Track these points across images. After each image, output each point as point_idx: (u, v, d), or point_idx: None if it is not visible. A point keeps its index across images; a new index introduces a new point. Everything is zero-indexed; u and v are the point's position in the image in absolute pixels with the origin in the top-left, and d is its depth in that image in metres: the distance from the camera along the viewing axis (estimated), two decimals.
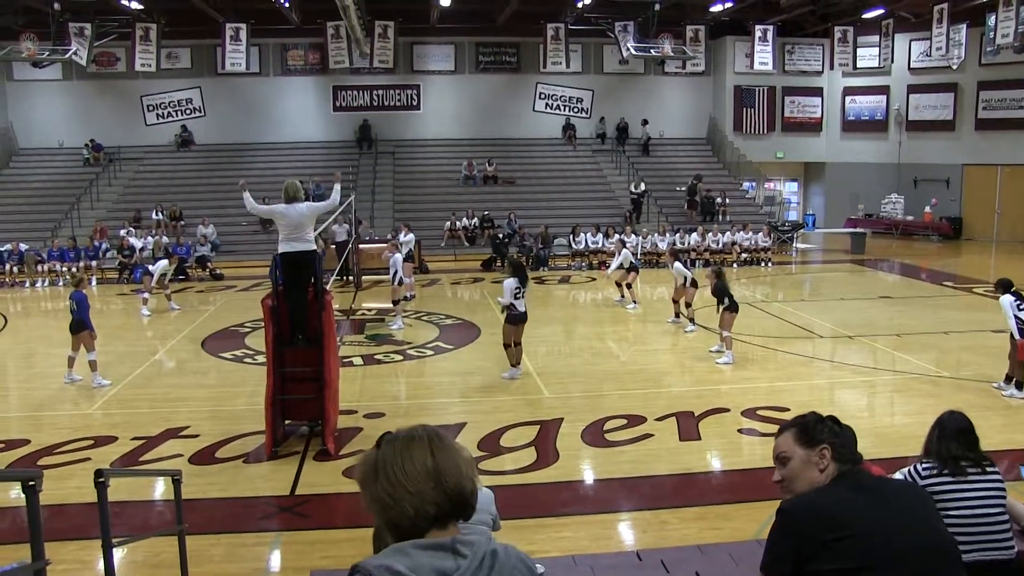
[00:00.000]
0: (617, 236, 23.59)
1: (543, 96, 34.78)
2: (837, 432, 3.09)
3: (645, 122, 34.17)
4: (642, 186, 30.40)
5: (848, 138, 35.54)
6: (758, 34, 31.00)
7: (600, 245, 26.05)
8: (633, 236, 25.78)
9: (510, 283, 12.98)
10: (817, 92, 35.84)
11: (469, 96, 34.56)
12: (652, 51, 28.58)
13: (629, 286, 19.48)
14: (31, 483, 4.57)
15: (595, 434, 10.51)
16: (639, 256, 24.86)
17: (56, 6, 27.02)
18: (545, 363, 14.17)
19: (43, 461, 10.03)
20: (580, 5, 28.55)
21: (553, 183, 31.77)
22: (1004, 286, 11.83)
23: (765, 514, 7.03)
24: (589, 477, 9.42)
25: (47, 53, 27.70)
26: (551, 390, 12.56)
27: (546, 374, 13.40)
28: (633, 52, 28.75)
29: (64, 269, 25.02)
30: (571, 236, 26.63)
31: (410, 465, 2.08)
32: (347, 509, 8.79)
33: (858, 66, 32.25)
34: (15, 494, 8.89)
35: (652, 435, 10.44)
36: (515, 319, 13.05)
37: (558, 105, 34.89)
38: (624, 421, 10.94)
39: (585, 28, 30.82)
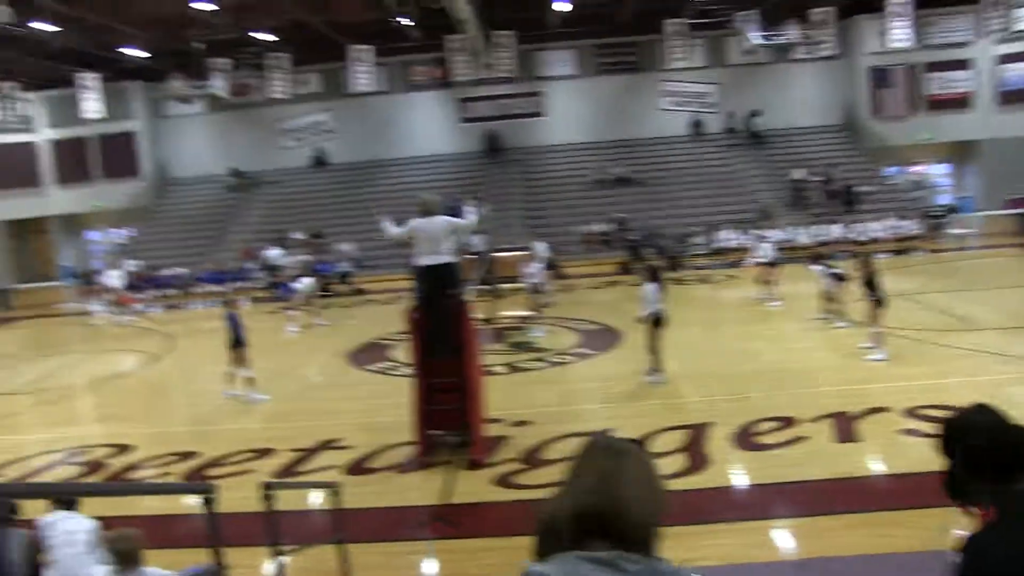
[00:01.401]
0: (755, 231, 23.19)
1: (668, 93, 34.35)
2: None
3: (755, 113, 33.32)
4: (801, 173, 29.39)
5: (1005, 111, 33.22)
6: (894, 8, 29.21)
7: (737, 242, 25.54)
8: (772, 231, 25.18)
9: (649, 289, 12.93)
10: (965, 65, 33.61)
11: (593, 99, 34.49)
12: (778, 39, 27.84)
13: (769, 282, 19.07)
14: (208, 496, 4.91)
15: (746, 438, 10.28)
16: (778, 251, 24.15)
17: (199, 46, 28.38)
18: (688, 366, 13.96)
19: (211, 472, 10.59)
20: None
21: (685, 181, 31.28)
22: None
23: (936, 521, 6.79)
24: (743, 482, 9.23)
25: (193, 89, 29.19)
26: (696, 393, 12.44)
27: (690, 377, 13.26)
28: (758, 42, 28.10)
29: (217, 290, 26.18)
30: (707, 234, 26.21)
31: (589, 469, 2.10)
32: (497, 518, 8.89)
33: (1016, 30, 29.53)
34: (191, 501, 9.41)
35: (806, 438, 10.12)
36: (659, 322, 12.95)
37: (684, 101, 34.39)
38: (775, 423, 10.64)
39: (707, 21, 30.25)
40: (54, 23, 23.86)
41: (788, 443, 10.02)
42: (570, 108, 34.56)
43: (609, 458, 2.13)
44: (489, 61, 30.44)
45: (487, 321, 19.21)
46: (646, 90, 34.23)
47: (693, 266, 25.66)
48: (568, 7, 27.82)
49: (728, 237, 25.79)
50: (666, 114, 34.30)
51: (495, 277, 23.60)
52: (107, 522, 6.77)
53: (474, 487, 9.48)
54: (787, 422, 10.66)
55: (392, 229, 10.82)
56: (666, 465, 9.58)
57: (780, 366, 13.87)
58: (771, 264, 19.00)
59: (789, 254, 24.91)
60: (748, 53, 31.50)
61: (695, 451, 9.98)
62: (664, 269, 24.90)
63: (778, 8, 27.63)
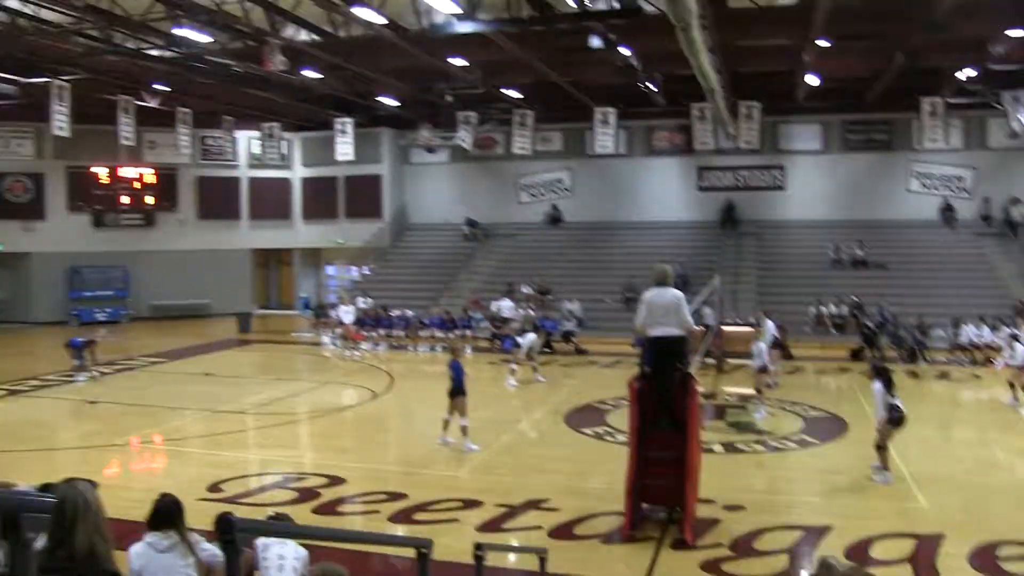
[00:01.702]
0: (1007, 330, 21.50)
1: (918, 175, 32.55)
2: None
3: (1016, 200, 30.98)
4: None
5: None
6: None
7: (986, 339, 23.75)
8: None
9: (878, 387, 12.17)
10: None
11: (837, 176, 33.22)
12: None
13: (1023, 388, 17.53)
14: (423, 550, 4.89)
15: (987, 560, 9.22)
16: None
17: (449, 99, 29.58)
18: (920, 468, 12.87)
19: (418, 516, 10.71)
20: (962, 77, 26.42)
21: (930, 268, 29.42)
22: None
23: None
24: None
25: (439, 139, 30.40)
26: (927, 499, 11.43)
27: (921, 481, 12.19)
28: None
29: (441, 336, 26.88)
30: (952, 328, 24.55)
31: None
32: None
33: None
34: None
35: None
36: (897, 420, 12.09)
37: (935, 184, 32.48)
38: None
39: (967, 101, 28.56)
40: (320, 71, 25.47)
41: None
42: (811, 183, 33.45)
43: None
44: (732, 131, 30.00)
45: (708, 396, 18.69)
46: (894, 170, 32.57)
47: (932, 360, 24.01)
48: (817, 81, 27.08)
49: (975, 333, 23.97)
50: (914, 197, 32.42)
51: (721, 352, 23.02)
52: (313, 551, 6.89)
53: (680, 568, 9.15)
54: None
55: (639, 321, 10.53)
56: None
57: None
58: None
59: None
60: (1013, 137, 29.36)
61: (923, 564, 9.14)
62: (900, 360, 23.72)
63: None
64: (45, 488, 4.29)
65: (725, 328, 23.37)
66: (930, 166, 32.14)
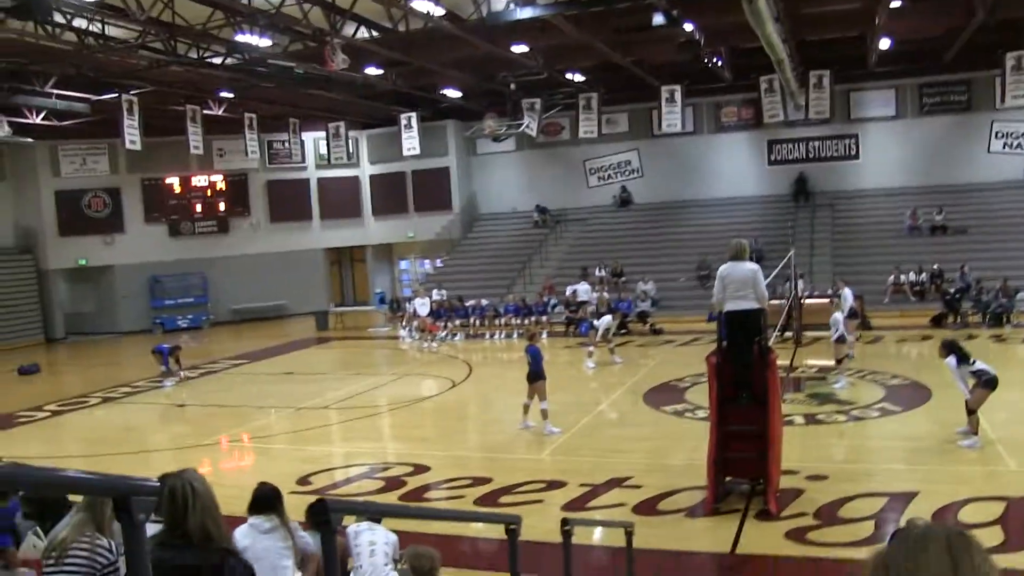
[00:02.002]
0: None
1: (1001, 135, 31.56)
2: None
3: None
4: None
5: None
6: None
7: None
8: None
9: (952, 362, 11.95)
10: None
11: (912, 141, 32.44)
12: None
13: None
14: (512, 526, 4.97)
15: None
16: None
17: (512, 86, 29.64)
18: (1008, 431, 12.57)
19: (503, 499, 10.83)
20: None
21: (1015, 231, 28.58)
22: None
23: None
24: None
25: (504, 128, 30.46)
26: (1017, 462, 11.19)
27: (1010, 444, 11.93)
28: None
29: (517, 323, 27.02)
30: None
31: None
32: (788, 572, 8.55)
33: None
34: (479, 526, 9.64)
35: None
36: (990, 383, 11.81)
37: (1019, 144, 31.43)
38: None
39: None
40: (381, 67, 25.71)
41: None
42: (886, 151, 32.75)
43: (967, 550, 1.71)
44: (801, 102, 29.48)
45: (787, 369, 18.48)
46: (974, 132, 31.63)
47: (1019, 323, 23.39)
48: (889, 44, 26.47)
49: None
50: (996, 158, 31.45)
51: (799, 324, 22.75)
52: (401, 536, 7.04)
53: (765, 539, 9.10)
54: None
55: (715, 297, 10.51)
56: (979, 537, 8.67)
57: None
58: None
59: None
60: None
61: (1014, 526, 8.95)
62: (984, 325, 23.18)
63: None
64: (163, 478, 4.53)
65: (802, 300, 23.07)
66: (1014, 125, 31.09)
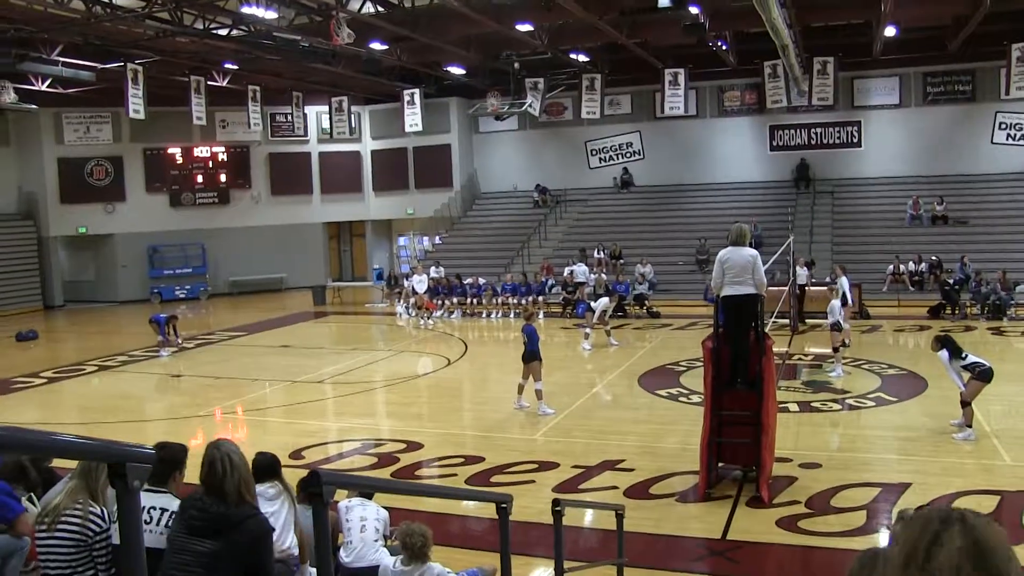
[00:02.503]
0: None
1: (1004, 126, 31.44)
2: None
3: None
4: None
5: None
6: None
7: None
8: None
9: (944, 355, 11.95)
10: None
11: (915, 130, 32.35)
12: None
13: None
14: (503, 505, 5.00)
15: None
16: None
17: (516, 65, 29.54)
18: (1004, 425, 12.64)
19: (495, 478, 10.87)
20: None
21: (1016, 223, 28.57)
22: None
23: None
24: None
25: (507, 107, 30.39)
26: (1012, 456, 11.19)
27: (1005, 437, 11.94)
28: None
29: (515, 302, 27.04)
30: None
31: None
32: (778, 559, 8.61)
33: None
34: (472, 504, 9.69)
35: None
36: (984, 375, 11.82)
37: (1022, 135, 31.37)
38: None
39: None
40: (386, 43, 25.61)
41: None
42: (888, 139, 32.67)
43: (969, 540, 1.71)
44: (805, 88, 29.39)
45: (784, 356, 18.51)
46: (977, 122, 31.55)
47: (1017, 316, 23.41)
48: (894, 32, 26.38)
49: None
50: (998, 149, 31.35)
51: (796, 311, 22.79)
52: (393, 513, 7.08)
53: (756, 526, 9.13)
54: None
55: (714, 281, 10.53)
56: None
57: None
58: None
59: None
60: None
61: (1008, 520, 8.97)
62: (982, 317, 23.20)
63: None
64: (160, 447, 4.72)
65: (800, 288, 23.11)
66: (1017, 116, 30.96)
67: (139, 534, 2.69)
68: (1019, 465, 10.87)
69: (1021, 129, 31.14)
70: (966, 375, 11.86)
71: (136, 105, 25.69)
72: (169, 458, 4.75)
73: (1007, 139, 31.33)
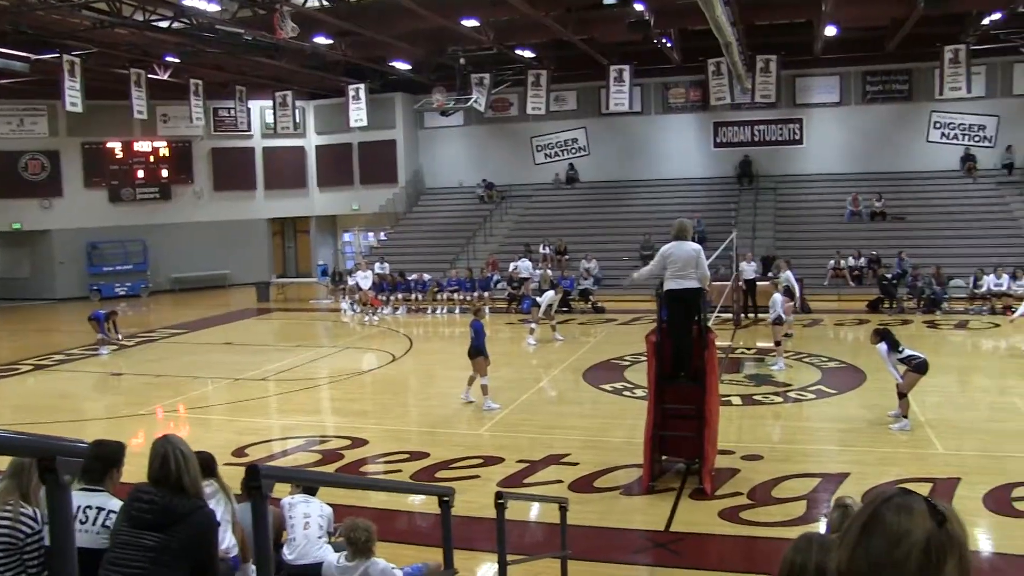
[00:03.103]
0: None
1: (938, 125, 32.14)
2: None
3: (1009, 148, 30.67)
4: None
5: None
6: None
7: (1006, 288, 23.63)
8: None
9: (883, 348, 12.20)
10: None
11: (855, 128, 32.89)
12: None
13: None
14: (445, 499, 4.99)
15: (1001, 501, 9.30)
16: None
17: (462, 61, 29.50)
18: (937, 414, 12.94)
19: (440, 474, 10.86)
20: (986, 22, 25.92)
21: (949, 219, 29.20)
22: None
23: None
24: (996, 549, 8.39)
25: (452, 103, 30.33)
26: (944, 445, 11.49)
27: (939, 427, 12.25)
28: None
29: (460, 298, 27.03)
30: (971, 278, 24.43)
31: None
32: (721, 550, 8.70)
33: None
34: (417, 500, 9.66)
35: None
36: (920, 367, 12.10)
37: (956, 134, 32.08)
38: None
39: (991, 47, 28.11)
40: (331, 37, 25.41)
41: None
42: (829, 137, 33.19)
43: (899, 518, 1.70)
44: (748, 85, 29.72)
45: (727, 349, 18.70)
46: (914, 121, 32.18)
47: (951, 309, 23.93)
48: (835, 31, 26.79)
49: (995, 282, 23.81)
50: (934, 147, 32.04)
51: (739, 305, 23.08)
52: (337, 510, 7.04)
53: (699, 517, 9.24)
54: None
55: (643, 271, 10.65)
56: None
57: None
58: None
59: None
60: None
61: None
62: (918, 310, 23.65)
63: None
64: (96, 444, 4.63)
65: (740, 282, 23.42)
66: (951, 115, 31.71)
67: (70, 532, 2.64)
68: (951, 453, 11.16)
69: (954, 128, 31.87)
70: (902, 367, 12.10)
71: (73, 98, 25.18)
72: (105, 455, 4.66)
73: (941, 138, 32.05)
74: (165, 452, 4.02)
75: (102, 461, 4.60)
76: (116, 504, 4.47)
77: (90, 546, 4.24)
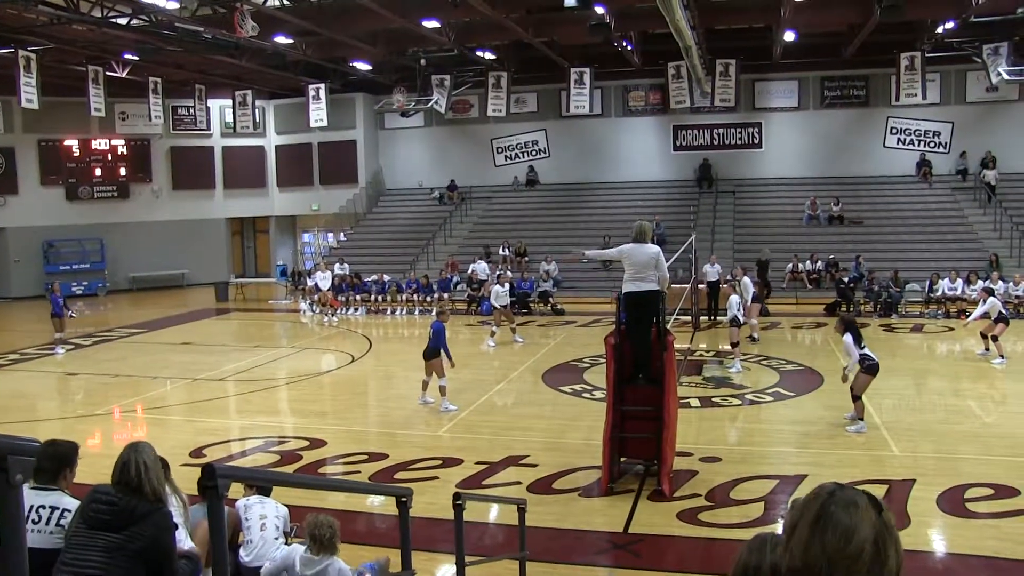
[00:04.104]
0: (981, 283, 21.73)
1: (895, 131, 32.60)
2: None
3: (963, 154, 31.26)
4: None
5: None
6: None
7: (960, 292, 23.98)
8: (1001, 283, 23.52)
9: (848, 339, 12.36)
10: None
11: (813, 133, 33.27)
12: None
13: (995, 338, 17.68)
14: (403, 499, 4.98)
15: (954, 502, 9.46)
16: (1007, 305, 22.18)
17: (423, 62, 29.46)
18: (893, 417, 13.13)
19: (399, 475, 10.84)
20: (940, 30, 26.36)
21: (906, 224, 29.64)
22: None
23: None
24: (948, 549, 8.53)
25: (413, 104, 30.30)
26: (900, 447, 11.63)
27: (894, 429, 12.41)
28: (1006, 77, 26.19)
29: (419, 299, 27.00)
30: (926, 281, 24.79)
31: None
32: (679, 551, 8.73)
33: None
34: (375, 501, 9.62)
35: None
36: (872, 369, 12.30)
37: (912, 140, 32.56)
38: (991, 491, 9.72)
39: (945, 55, 28.56)
40: (291, 37, 25.25)
41: (1007, 515, 9.10)
42: (788, 141, 33.53)
43: (848, 513, 1.81)
44: (708, 89, 29.95)
45: (686, 352, 18.82)
46: (871, 126, 32.64)
47: (907, 313, 24.30)
48: (793, 37, 27.07)
49: (949, 286, 24.18)
50: (890, 153, 32.53)
51: (708, 307, 23.29)
52: (296, 511, 6.99)
53: (658, 519, 9.28)
54: (1007, 492, 9.70)
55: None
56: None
57: (1001, 430, 12.65)
58: (1000, 319, 17.55)
59: (1021, 310, 23.21)
60: (991, 90, 29.43)
61: (894, 508, 9.29)
62: (875, 314, 23.96)
63: None
64: (49, 444, 4.60)
65: (700, 285, 23.60)
66: (907, 121, 32.23)
67: (20, 532, 2.60)
68: (906, 455, 11.29)
69: (910, 134, 32.36)
70: (856, 368, 12.28)
71: (29, 94, 24.82)
72: (59, 455, 4.61)
73: (898, 143, 32.53)
74: (128, 459, 4.09)
75: (55, 460, 4.56)
76: (70, 503, 4.44)
77: (43, 546, 4.19)
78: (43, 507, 4.45)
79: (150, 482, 4.06)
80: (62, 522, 4.37)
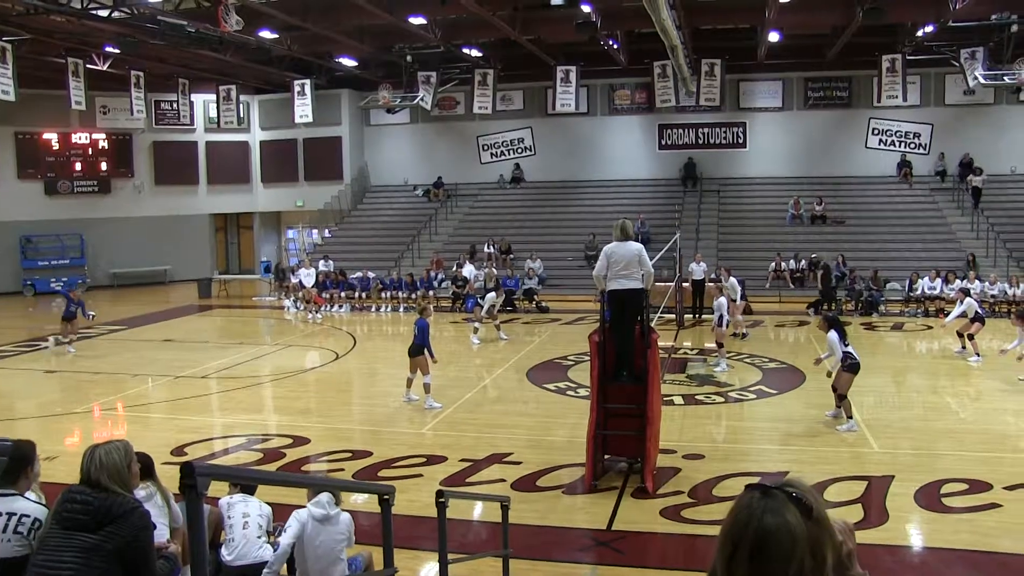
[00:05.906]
0: (959, 282, 21.88)
1: (876, 132, 32.79)
2: None
3: (970, 167, 31.13)
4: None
5: None
6: None
7: (939, 291, 24.15)
8: (977, 283, 23.74)
9: (833, 336, 12.45)
10: None
11: (797, 133, 33.42)
12: (1006, 78, 25.99)
13: (971, 337, 17.85)
14: (386, 497, 4.97)
15: (931, 497, 9.60)
16: (984, 304, 22.37)
17: (408, 59, 29.40)
18: (873, 414, 13.26)
19: (383, 473, 10.83)
20: (920, 34, 26.61)
21: (887, 224, 29.79)
22: None
23: None
24: (924, 544, 8.66)
25: (399, 100, 30.23)
26: (880, 444, 11.75)
27: (874, 427, 12.52)
28: (982, 81, 26.42)
29: (403, 296, 26.96)
30: (906, 280, 24.97)
31: None
32: (662, 548, 8.77)
33: None
34: (359, 499, 9.61)
35: (999, 505, 9.31)
36: (853, 368, 12.39)
37: (893, 141, 32.78)
38: (965, 486, 9.90)
39: (925, 58, 28.75)
40: (277, 31, 25.16)
41: (980, 509, 9.26)
42: (772, 141, 33.66)
43: (782, 537, 1.89)
44: (694, 89, 30.02)
45: (669, 350, 18.88)
46: (853, 127, 32.83)
47: (887, 312, 24.45)
48: (778, 38, 27.17)
49: (929, 285, 24.35)
50: (872, 153, 32.74)
51: (693, 306, 23.38)
52: (279, 509, 6.97)
53: (641, 516, 9.33)
54: (981, 487, 9.86)
55: (598, 275, 10.60)
56: (840, 515, 9.03)
57: (977, 427, 12.83)
58: (976, 318, 17.76)
59: (996, 309, 23.43)
60: (968, 93, 29.65)
61: (873, 504, 9.45)
62: (856, 312, 24.10)
63: (1009, 45, 25.83)
64: (8, 444, 4.52)
65: (684, 284, 23.69)
66: (888, 123, 32.46)
67: None
68: (885, 452, 11.42)
69: (891, 135, 32.58)
70: (838, 366, 12.38)
71: (5, 85, 24.54)
72: (19, 456, 4.53)
73: (879, 144, 32.76)
74: (91, 455, 4.06)
75: (15, 462, 4.46)
76: (27, 507, 4.32)
77: (2, 556, 4.13)
78: (0, 513, 4.28)
79: (103, 477, 3.97)
80: (20, 529, 4.22)
